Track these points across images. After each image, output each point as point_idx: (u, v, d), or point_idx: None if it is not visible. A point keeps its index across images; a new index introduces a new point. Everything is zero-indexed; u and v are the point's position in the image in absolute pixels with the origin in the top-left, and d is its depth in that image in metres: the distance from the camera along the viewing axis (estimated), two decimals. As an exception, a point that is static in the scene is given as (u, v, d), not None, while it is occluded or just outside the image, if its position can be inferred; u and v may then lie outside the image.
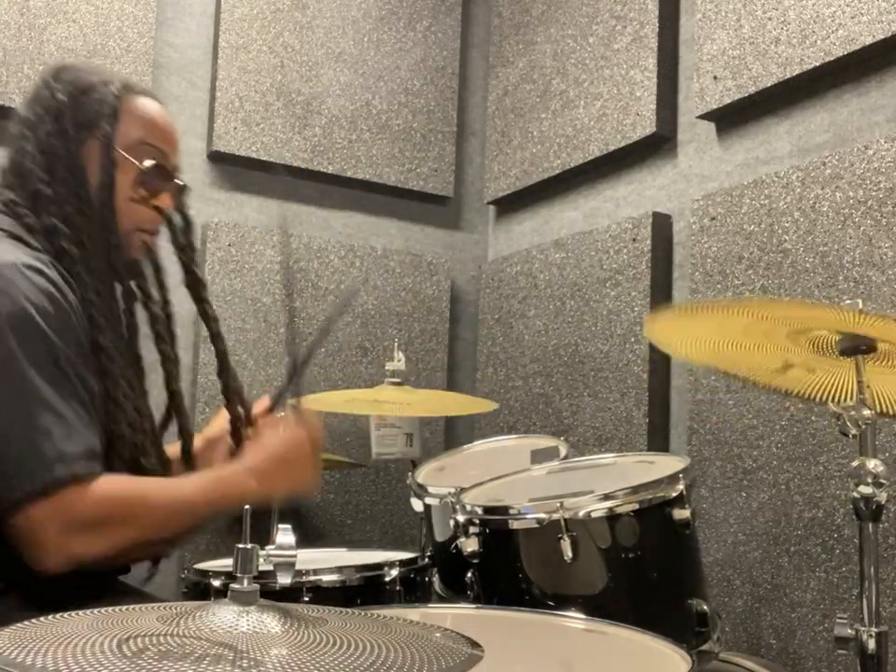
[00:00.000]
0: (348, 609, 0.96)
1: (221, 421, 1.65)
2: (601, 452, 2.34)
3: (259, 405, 1.64)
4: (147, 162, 1.45)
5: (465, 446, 2.25)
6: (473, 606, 1.53)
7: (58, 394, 1.24)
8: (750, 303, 1.32)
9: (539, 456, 1.96)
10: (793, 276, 1.99)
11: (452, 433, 2.87)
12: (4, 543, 1.24)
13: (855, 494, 1.31)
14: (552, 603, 1.46)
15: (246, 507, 0.86)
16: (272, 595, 0.90)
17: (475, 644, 0.82)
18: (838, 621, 1.34)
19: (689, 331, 1.49)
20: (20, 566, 1.24)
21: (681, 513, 1.48)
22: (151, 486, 1.36)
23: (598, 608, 1.41)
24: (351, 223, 2.86)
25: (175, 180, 1.50)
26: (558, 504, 1.43)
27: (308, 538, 2.49)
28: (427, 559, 1.83)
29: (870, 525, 1.31)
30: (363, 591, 1.69)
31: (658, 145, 2.45)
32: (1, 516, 1.22)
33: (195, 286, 1.54)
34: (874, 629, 1.31)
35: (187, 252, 1.52)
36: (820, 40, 1.99)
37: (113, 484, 1.28)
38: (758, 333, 1.40)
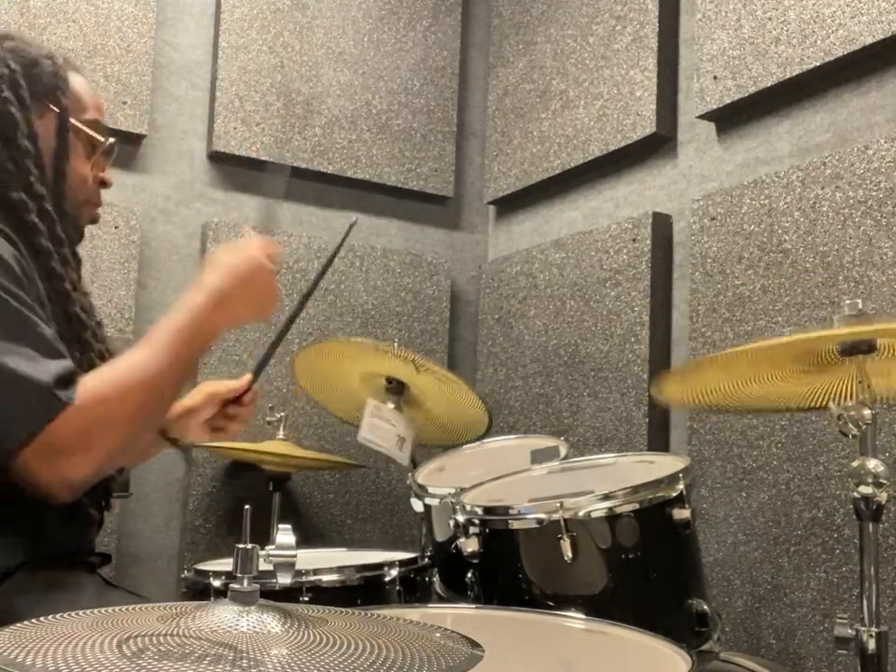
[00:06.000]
0: (348, 609, 0.96)
1: (199, 394, 1.66)
2: (601, 452, 2.33)
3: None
4: (111, 140, 1.48)
5: (465, 446, 2.25)
6: (473, 606, 1.53)
7: (16, 334, 1.19)
8: (748, 350, 1.34)
9: (538, 456, 1.96)
10: (793, 276, 1.99)
11: (452, 433, 2.87)
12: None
13: (855, 494, 1.31)
14: (552, 603, 1.46)
15: (247, 507, 0.86)
16: (271, 595, 0.90)
17: (475, 644, 0.82)
18: (838, 621, 1.34)
19: (697, 384, 1.51)
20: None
21: (681, 513, 1.48)
22: (117, 372, 1.26)
23: (598, 608, 1.41)
24: (351, 223, 2.86)
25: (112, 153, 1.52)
26: (558, 504, 1.43)
27: (308, 538, 2.49)
28: (427, 559, 1.82)
29: (870, 524, 1.32)
30: (363, 591, 1.69)
31: (658, 145, 2.45)
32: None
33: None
34: (874, 629, 1.31)
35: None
36: (820, 40, 1.99)
37: (81, 395, 1.19)
38: (763, 364, 1.41)
